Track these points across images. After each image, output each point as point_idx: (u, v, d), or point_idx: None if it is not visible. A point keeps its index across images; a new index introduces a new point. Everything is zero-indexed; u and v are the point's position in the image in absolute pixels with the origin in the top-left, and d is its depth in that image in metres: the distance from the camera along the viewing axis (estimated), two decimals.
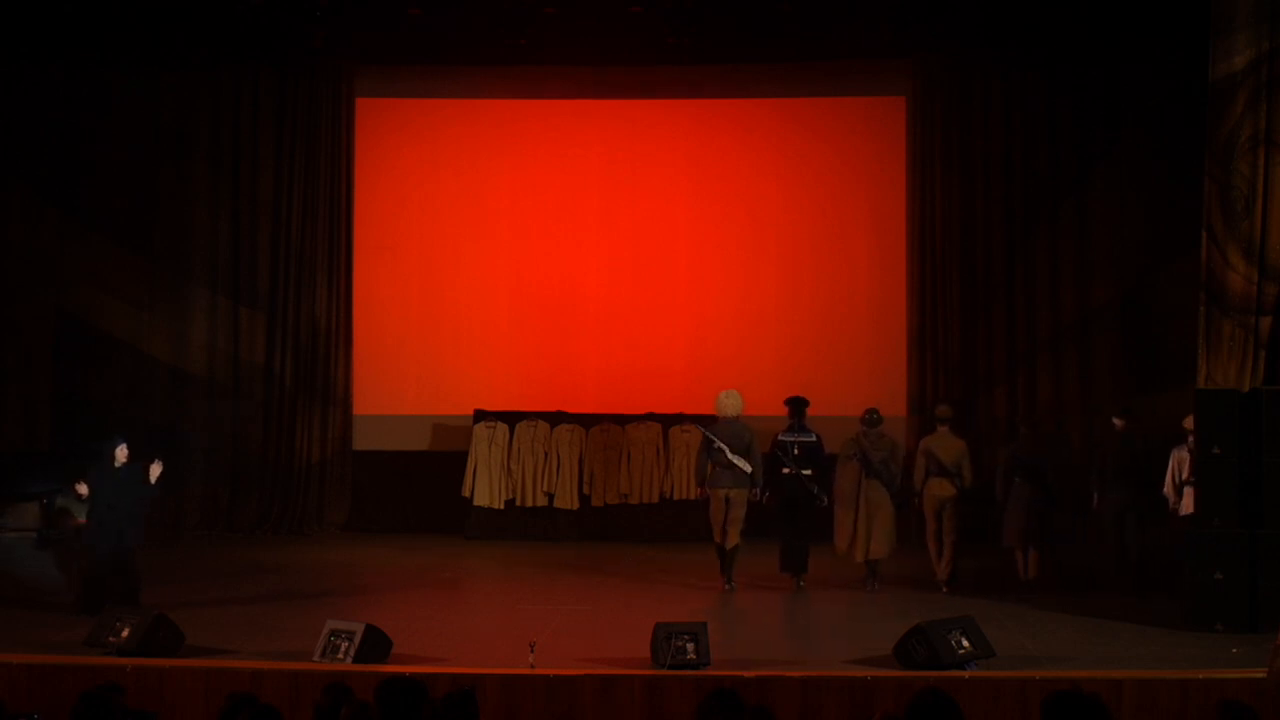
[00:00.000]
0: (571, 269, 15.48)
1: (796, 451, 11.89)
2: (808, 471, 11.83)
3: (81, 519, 11.38)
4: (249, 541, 14.74)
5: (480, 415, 14.96)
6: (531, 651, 8.44)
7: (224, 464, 15.28)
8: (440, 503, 15.14)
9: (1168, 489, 11.53)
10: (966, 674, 8.36)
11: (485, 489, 14.80)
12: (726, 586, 11.79)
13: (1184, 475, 11.34)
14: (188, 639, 9.22)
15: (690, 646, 8.64)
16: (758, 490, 11.87)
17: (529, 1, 13.76)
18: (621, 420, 14.87)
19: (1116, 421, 12.07)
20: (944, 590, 11.64)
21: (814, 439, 11.99)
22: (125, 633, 8.91)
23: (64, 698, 7.34)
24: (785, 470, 11.85)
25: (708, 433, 11.94)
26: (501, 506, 14.84)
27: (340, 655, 8.66)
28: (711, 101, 15.45)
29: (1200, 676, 8.16)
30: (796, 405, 12.12)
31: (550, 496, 14.81)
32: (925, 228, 15.02)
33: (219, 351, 15.45)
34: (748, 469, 11.79)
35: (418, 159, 15.61)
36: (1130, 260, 14.50)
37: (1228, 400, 10.17)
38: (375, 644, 8.85)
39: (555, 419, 14.92)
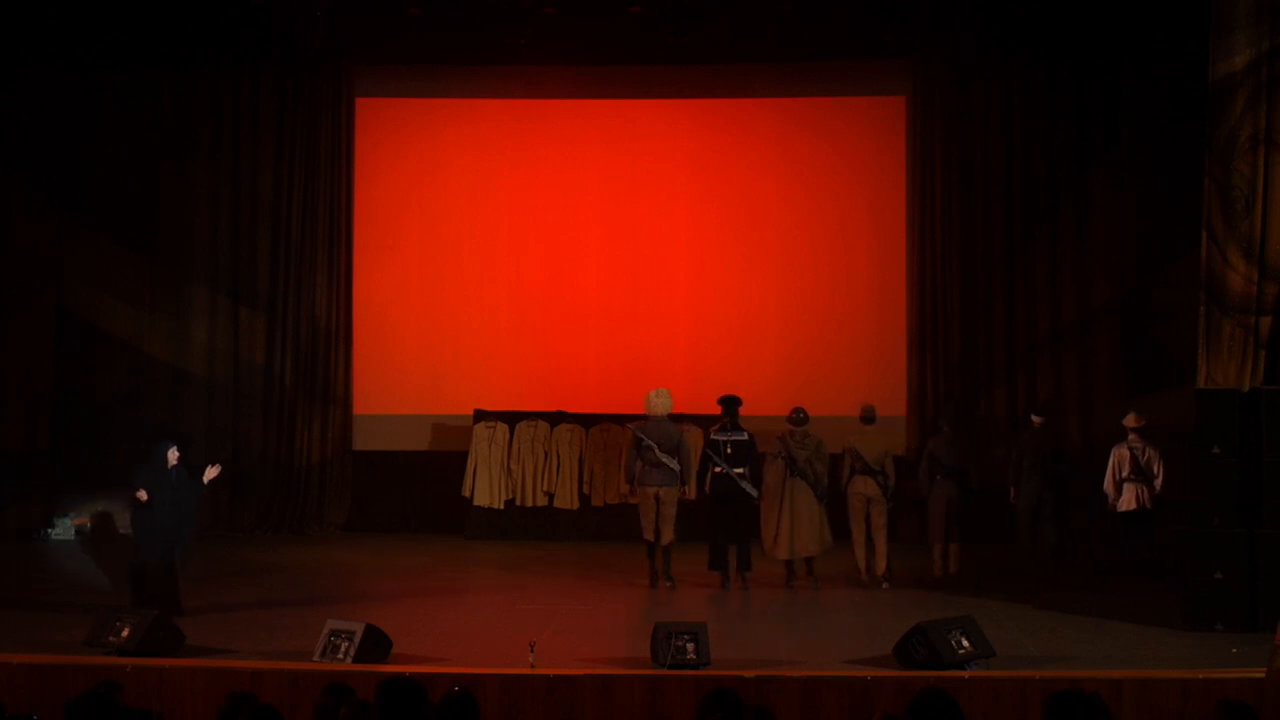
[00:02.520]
0: (571, 269, 15.49)
1: (729, 450, 11.96)
2: (740, 470, 11.91)
3: (128, 522, 11.40)
4: (249, 541, 14.74)
5: (480, 415, 14.97)
6: (531, 651, 8.44)
7: (224, 464, 15.20)
8: (440, 503, 15.15)
9: (1108, 485, 12.11)
10: (966, 674, 8.36)
11: (485, 489, 14.81)
12: (667, 584, 11.94)
13: (1124, 472, 12.01)
14: (188, 639, 9.22)
15: (690, 646, 8.64)
16: (687, 488, 12.04)
17: (529, 1, 13.76)
18: (621, 420, 14.83)
19: (1034, 419, 12.67)
20: (884, 585, 11.85)
21: (746, 437, 12.07)
22: (125, 633, 8.90)
23: (64, 698, 7.34)
24: (717, 469, 11.95)
25: (637, 431, 12.09)
26: (501, 506, 14.85)
27: (340, 655, 8.66)
28: (711, 101, 15.45)
29: (1200, 676, 8.16)
30: (729, 404, 12.22)
31: (550, 496, 14.82)
32: (925, 228, 15.02)
33: (219, 351, 15.45)
34: (676, 468, 11.94)
35: (418, 159, 15.61)
36: (1130, 260, 14.50)
37: (1228, 400, 10.17)
38: (375, 644, 8.85)
39: (555, 419, 14.93)
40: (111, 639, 8.92)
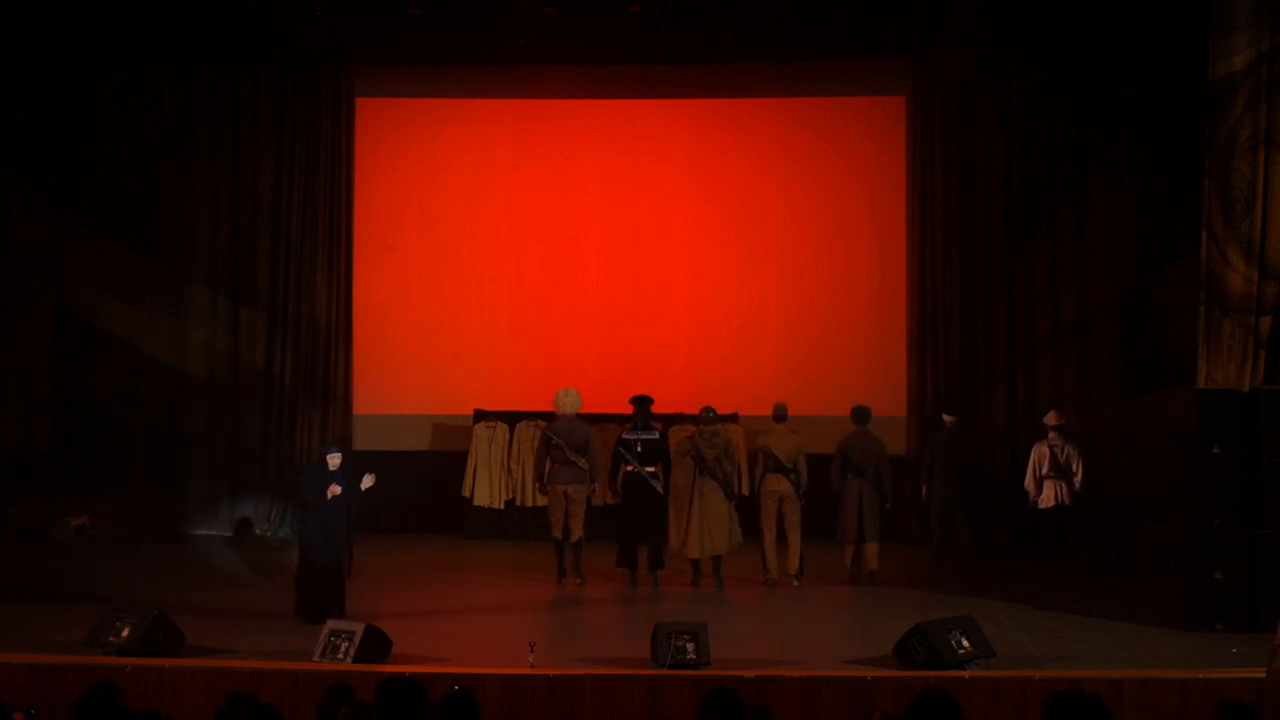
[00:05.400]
0: (571, 269, 15.49)
1: (639, 449, 12.15)
2: (651, 469, 12.06)
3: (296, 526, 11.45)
4: (249, 541, 14.72)
5: (480, 415, 14.97)
6: (531, 651, 8.45)
7: (224, 464, 15.27)
8: (440, 503, 15.15)
9: (1029, 483, 12.49)
10: (966, 674, 8.38)
11: (485, 489, 14.81)
12: (576, 580, 12.10)
13: (1044, 470, 12.38)
14: (188, 639, 9.23)
15: (690, 646, 8.65)
16: (595, 487, 12.25)
17: (529, 1, 13.76)
18: (622, 420, 14.82)
19: (946, 418, 13.00)
20: (795, 583, 11.95)
21: (657, 436, 12.29)
22: (125, 632, 8.92)
23: (64, 698, 7.35)
24: (628, 468, 12.09)
25: (546, 430, 12.33)
26: (501, 506, 14.86)
27: (340, 655, 8.68)
28: (711, 101, 15.45)
29: (1200, 676, 8.18)
30: (641, 403, 12.41)
31: None
32: (925, 228, 15.01)
33: (219, 351, 15.44)
34: (585, 466, 12.14)
35: (418, 159, 15.61)
36: (1130, 260, 14.46)
37: (1228, 400, 10.19)
38: (375, 644, 8.87)
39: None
40: (111, 639, 8.93)
